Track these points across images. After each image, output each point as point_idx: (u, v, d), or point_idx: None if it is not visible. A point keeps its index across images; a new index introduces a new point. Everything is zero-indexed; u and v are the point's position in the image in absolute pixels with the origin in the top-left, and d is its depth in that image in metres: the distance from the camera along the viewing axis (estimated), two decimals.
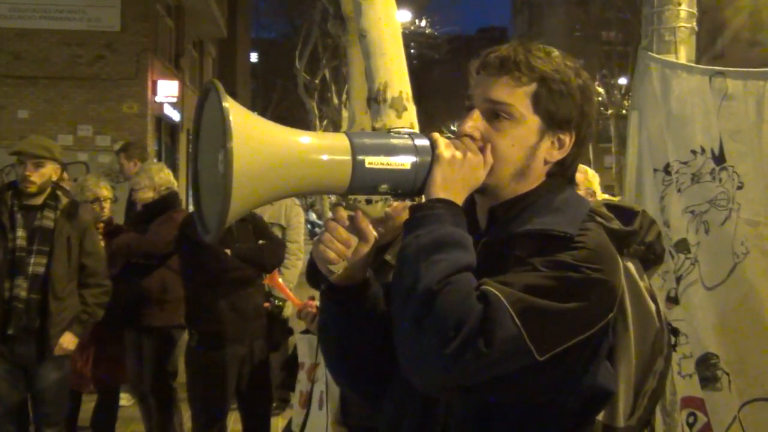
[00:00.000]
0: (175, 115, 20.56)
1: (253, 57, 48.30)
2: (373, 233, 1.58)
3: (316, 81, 33.76)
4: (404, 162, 1.49)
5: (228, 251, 4.39)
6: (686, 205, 2.63)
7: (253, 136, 1.40)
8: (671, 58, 2.76)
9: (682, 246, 2.65)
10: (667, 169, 2.70)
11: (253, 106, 48.19)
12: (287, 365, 4.43)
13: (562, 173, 1.63)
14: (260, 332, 4.59)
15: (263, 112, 47.97)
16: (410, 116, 4.63)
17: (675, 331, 2.51)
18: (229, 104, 1.37)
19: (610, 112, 45.91)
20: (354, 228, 1.56)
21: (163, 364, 5.03)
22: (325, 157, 1.45)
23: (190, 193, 1.21)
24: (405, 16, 22.62)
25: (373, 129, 6.12)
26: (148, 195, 5.01)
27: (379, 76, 5.87)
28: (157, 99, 18.22)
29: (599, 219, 1.58)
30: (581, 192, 4.09)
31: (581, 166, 4.79)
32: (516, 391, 1.46)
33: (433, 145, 1.52)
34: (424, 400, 1.57)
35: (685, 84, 2.67)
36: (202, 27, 25.21)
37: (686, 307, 2.64)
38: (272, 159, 1.41)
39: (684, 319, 2.67)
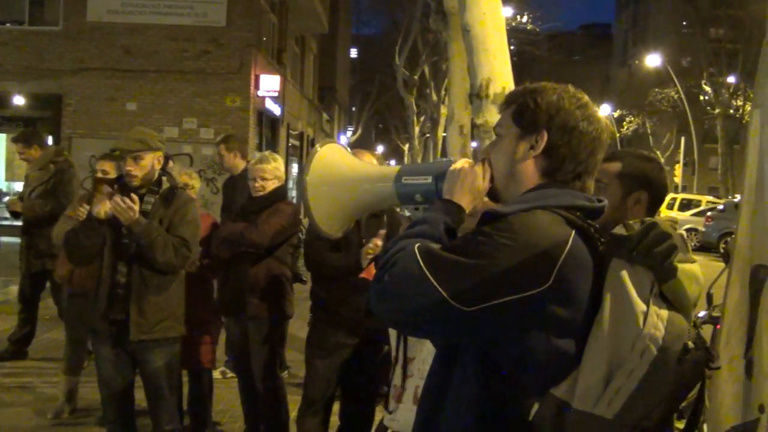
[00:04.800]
0: (276, 110, 20.92)
1: (353, 53, 48.72)
2: None
3: (415, 77, 33.88)
4: (427, 178, 2.05)
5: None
6: None
7: (327, 171, 2.12)
8: None
9: None
10: None
11: (351, 102, 48.66)
12: (382, 360, 4.41)
13: (552, 175, 1.93)
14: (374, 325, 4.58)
15: (361, 108, 48.50)
16: None
17: None
18: (321, 151, 2.15)
19: (717, 111, 44.32)
20: None
21: (271, 353, 5.02)
22: (380, 184, 2.14)
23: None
24: (507, 11, 22.33)
25: (474, 124, 6.08)
26: (271, 185, 5.02)
27: (483, 72, 5.80)
28: (260, 93, 18.56)
29: (578, 219, 1.82)
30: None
31: None
32: (445, 333, 1.85)
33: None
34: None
35: None
36: (304, 22, 25.56)
37: None
38: (340, 189, 2.15)
39: None
